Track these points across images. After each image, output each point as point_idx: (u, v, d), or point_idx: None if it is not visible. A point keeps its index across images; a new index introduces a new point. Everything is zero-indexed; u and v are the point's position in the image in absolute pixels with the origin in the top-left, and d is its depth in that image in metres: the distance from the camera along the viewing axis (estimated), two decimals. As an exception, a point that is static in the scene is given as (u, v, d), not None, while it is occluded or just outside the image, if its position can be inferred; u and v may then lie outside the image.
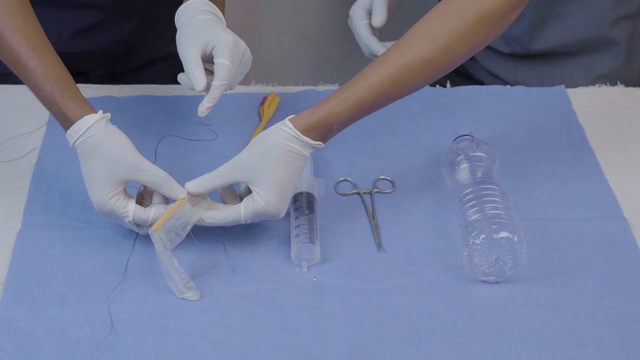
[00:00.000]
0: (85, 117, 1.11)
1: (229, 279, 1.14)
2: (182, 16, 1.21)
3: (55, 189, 1.26)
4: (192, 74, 1.15)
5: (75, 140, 1.11)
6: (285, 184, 1.11)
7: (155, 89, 1.47)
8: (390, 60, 1.12)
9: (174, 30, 1.60)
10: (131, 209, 1.12)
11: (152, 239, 1.09)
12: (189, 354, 1.05)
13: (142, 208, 1.12)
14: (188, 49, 1.17)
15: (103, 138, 1.11)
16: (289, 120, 1.12)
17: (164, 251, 1.09)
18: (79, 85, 1.46)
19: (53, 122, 1.37)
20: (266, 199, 1.10)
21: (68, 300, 1.10)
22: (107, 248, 1.17)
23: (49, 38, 1.48)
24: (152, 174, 1.11)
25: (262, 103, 1.41)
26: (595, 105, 1.45)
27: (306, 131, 1.11)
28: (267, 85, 1.50)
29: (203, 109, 1.15)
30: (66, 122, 1.12)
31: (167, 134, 1.36)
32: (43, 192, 1.25)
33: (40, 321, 1.08)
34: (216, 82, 1.15)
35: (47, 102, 1.13)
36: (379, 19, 1.36)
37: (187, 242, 1.18)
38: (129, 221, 1.12)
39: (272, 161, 1.10)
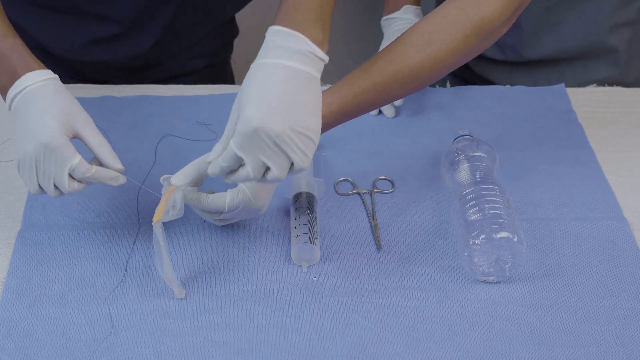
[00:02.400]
0: (49, 70, 1.09)
1: (229, 279, 1.14)
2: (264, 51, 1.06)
3: (55, 189, 1.26)
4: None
5: (33, 84, 1.06)
6: None
7: (155, 89, 1.47)
8: (377, 67, 1.12)
9: (201, 46, 1.58)
10: (78, 156, 1.05)
11: (154, 229, 1.08)
12: (189, 354, 1.05)
13: (85, 162, 1.07)
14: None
15: (64, 88, 1.09)
16: None
17: (164, 243, 1.08)
18: (78, 85, 1.47)
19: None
20: (253, 191, 1.11)
21: (68, 300, 1.11)
22: (107, 248, 1.17)
23: (63, 44, 1.47)
24: (100, 135, 1.08)
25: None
26: (595, 105, 1.45)
27: None
28: (267, 85, 1.50)
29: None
30: (28, 69, 1.08)
31: (167, 134, 1.36)
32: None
33: (40, 321, 1.08)
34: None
35: (7, 50, 1.08)
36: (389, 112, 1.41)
37: (188, 243, 1.18)
38: (70, 169, 1.04)
39: None
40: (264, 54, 1.03)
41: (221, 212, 1.12)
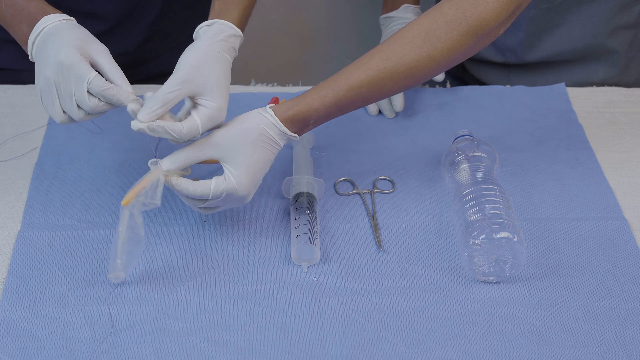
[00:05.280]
0: (66, 15, 1.15)
1: (229, 279, 1.14)
2: (201, 35, 1.19)
3: (55, 189, 1.26)
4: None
5: (50, 24, 1.12)
6: (258, 168, 1.12)
7: (155, 89, 1.47)
8: (373, 63, 1.13)
9: (187, 44, 1.58)
10: (95, 72, 1.09)
11: (120, 212, 1.08)
12: (189, 354, 1.05)
13: (102, 77, 1.10)
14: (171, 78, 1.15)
15: (80, 26, 1.15)
16: (269, 108, 1.13)
17: (125, 229, 1.08)
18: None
19: (53, 123, 1.37)
20: (239, 179, 1.11)
21: (68, 300, 1.11)
22: (107, 248, 1.17)
23: None
24: (114, 63, 1.12)
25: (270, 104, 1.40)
26: (595, 105, 1.45)
27: (285, 122, 1.13)
28: (267, 85, 1.50)
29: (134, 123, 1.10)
30: (45, 13, 1.13)
31: (167, 134, 1.35)
32: (43, 192, 1.25)
33: (40, 321, 1.08)
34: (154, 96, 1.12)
35: (24, 1, 1.14)
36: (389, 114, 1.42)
37: (188, 243, 1.18)
38: (88, 83, 1.08)
39: (249, 144, 1.11)
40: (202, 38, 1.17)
41: (205, 200, 1.12)
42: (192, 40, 1.22)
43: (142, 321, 1.08)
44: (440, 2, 1.14)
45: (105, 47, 1.13)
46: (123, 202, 1.08)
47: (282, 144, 1.14)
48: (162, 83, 1.50)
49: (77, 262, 1.15)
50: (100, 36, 1.46)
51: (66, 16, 1.14)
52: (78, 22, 1.45)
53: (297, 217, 1.18)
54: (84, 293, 1.11)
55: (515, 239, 1.11)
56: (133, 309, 1.10)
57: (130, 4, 1.44)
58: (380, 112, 1.42)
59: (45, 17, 1.13)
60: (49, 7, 1.15)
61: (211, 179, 1.11)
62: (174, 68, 1.57)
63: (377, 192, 1.27)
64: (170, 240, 1.18)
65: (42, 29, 1.12)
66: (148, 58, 1.54)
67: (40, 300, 1.10)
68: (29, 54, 1.13)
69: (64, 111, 1.11)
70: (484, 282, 1.14)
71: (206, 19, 1.24)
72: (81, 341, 1.06)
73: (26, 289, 1.12)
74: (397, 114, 1.41)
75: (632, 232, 1.22)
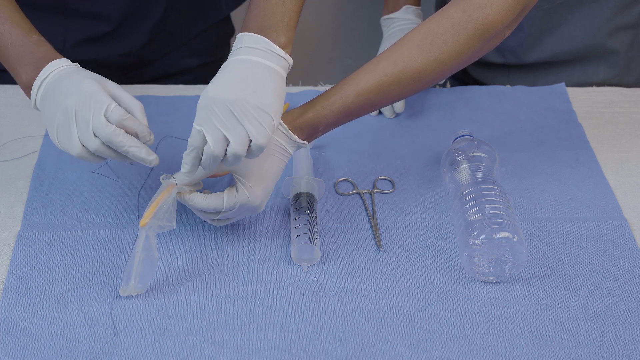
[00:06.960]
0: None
1: (229, 279, 1.14)
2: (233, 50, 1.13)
3: (55, 189, 1.26)
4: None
5: (60, 67, 1.10)
6: (269, 177, 1.12)
7: (156, 89, 1.47)
8: (380, 68, 1.13)
9: (192, 45, 1.58)
10: (115, 102, 1.07)
11: (139, 233, 1.09)
12: (189, 354, 1.05)
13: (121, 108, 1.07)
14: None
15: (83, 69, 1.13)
16: None
17: (141, 251, 1.09)
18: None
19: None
20: (251, 189, 1.11)
21: (68, 300, 1.11)
22: (107, 248, 1.17)
23: (55, 44, 1.49)
24: (131, 96, 1.09)
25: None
26: (595, 105, 1.45)
27: (294, 130, 1.13)
28: (267, 85, 1.50)
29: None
30: (55, 57, 1.12)
31: (167, 135, 1.36)
32: (43, 192, 1.25)
33: (40, 321, 1.08)
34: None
35: (33, 45, 1.13)
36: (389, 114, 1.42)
37: (188, 243, 1.18)
38: (108, 110, 1.06)
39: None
40: (230, 55, 1.09)
41: (219, 212, 1.12)
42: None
43: (142, 321, 1.08)
44: (446, 6, 1.14)
45: (119, 85, 1.11)
46: (141, 222, 1.08)
47: (292, 152, 1.14)
48: (167, 84, 1.51)
49: (77, 262, 1.15)
50: (104, 37, 1.46)
51: (72, 62, 1.13)
52: (82, 23, 1.46)
53: (297, 217, 1.18)
54: (84, 293, 1.11)
55: (515, 239, 1.11)
56: (133, 309, 1.10)
57: (134, 4, 1.44)
58: (380, 112, 1.42)
59: (53, 61, 1.11)
60: (57, 53, 1.14)
61: (223, 190, 1.11)
62: (178, 69, 1.57)
63: (377, 192, 1.27)
64: (170, 240, 1.18)
65: (51, 72, 1.10)
66: (153, 59, 1.54)
67: (40, 300, 1.10)
68: (32, 97, 1.12)
69: (81, 143, 1.08)
70: (484, 282, 1.14)
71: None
72: (81, 341, 1.06)
73: (26, 289, 1.12)
74: (397, 114, 1.41)
75: (632, 232, 1.22)
